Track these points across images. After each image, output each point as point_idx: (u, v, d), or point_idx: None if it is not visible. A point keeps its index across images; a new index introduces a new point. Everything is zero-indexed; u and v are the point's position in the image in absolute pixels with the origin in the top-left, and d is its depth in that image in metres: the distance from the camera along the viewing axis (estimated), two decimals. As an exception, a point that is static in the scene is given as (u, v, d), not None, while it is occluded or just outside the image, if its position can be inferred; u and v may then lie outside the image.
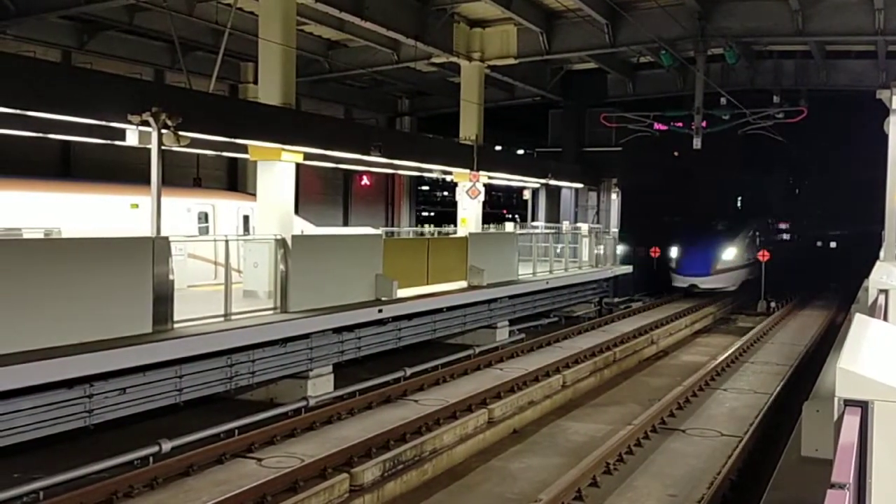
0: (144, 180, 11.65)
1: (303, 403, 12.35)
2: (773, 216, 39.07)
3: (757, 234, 32.41)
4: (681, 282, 28.78)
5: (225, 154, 17.16)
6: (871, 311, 7.02)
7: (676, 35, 20.67)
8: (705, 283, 28.45)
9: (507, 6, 19.62)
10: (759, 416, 12.16)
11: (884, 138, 14.82)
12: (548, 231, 26.30)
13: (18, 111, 10.16)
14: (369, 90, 30.31)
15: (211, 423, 10.69)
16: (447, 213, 41.58)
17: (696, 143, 22.03)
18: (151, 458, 9.47)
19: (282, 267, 12.99)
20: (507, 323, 19.49)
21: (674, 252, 29.80)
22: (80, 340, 9.38)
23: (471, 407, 11.91)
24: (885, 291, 7.41)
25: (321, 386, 13.19)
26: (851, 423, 3.14)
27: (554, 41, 22.09)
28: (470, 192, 21.69)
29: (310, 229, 18.32)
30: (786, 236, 39.64)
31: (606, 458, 9.69)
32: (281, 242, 13.08)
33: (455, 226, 23.20)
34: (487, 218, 40.00)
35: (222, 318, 11.72)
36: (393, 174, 29.75)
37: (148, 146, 11.13)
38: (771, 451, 9.54)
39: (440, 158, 21.01)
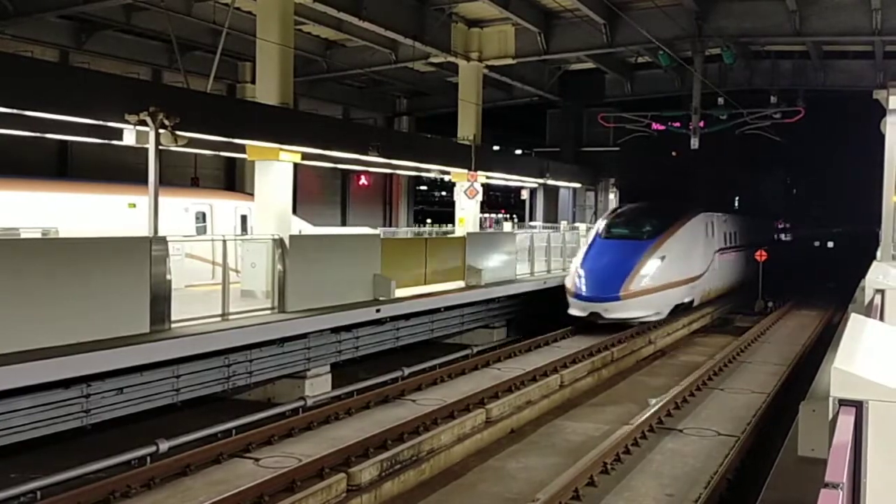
0: (142, 180, 11.65)
1: (300, 403, 12.35)
2: (765, 213, 36.00)
3: (709, 233, 23.27)
4: (578, 309, 19.19)
5: (223, 154, 17.18)
6: (868, 310, 7.04)
7: (674, 35, 20.69)
8: (613, 310, 18.93)
9: (505, 6, 19.64)
10: (756, 416, 12.16)
11: (881, 138, 14.85)
12: (545, 230, 26.31)
13: (16, 111, 10.16)
14: (367, 90, 30.32)
15: (208, 423, 10.69)
16: (444, 213, 41.62)
17: (694, 143, 22.08)
18: (149, 458, 9.47)
19: (279, 267, 13.01)
20: (504, 323, 19.52)
21: (574, 263, 20.65)
22: (78, 340, 9.39)
23: (468, 407, 11.90)
24: (882, 291, 7.42)
25: (319, 386, 13.20)
26: (846, 422, 3.15)
27: (552, 41, 22.11)
28: (468, 192, 21.70)
29: (308, 229, 18.34)
30: (783, 236, 39.37)
31: (604, 458, 9.68)
32: (279, 242, 13.09)
33: (449, 225, 23.26)
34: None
35: (220, 318, 11.73)
36: (391, 174, 29.78)
37: (145, 146, 11.14)
38: (768, 450, 9.54)
39: (438, 158, 21.03)
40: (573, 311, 19.32)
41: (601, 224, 22.01)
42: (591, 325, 19.21)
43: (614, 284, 19.08)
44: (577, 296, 19.36)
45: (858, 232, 45.12)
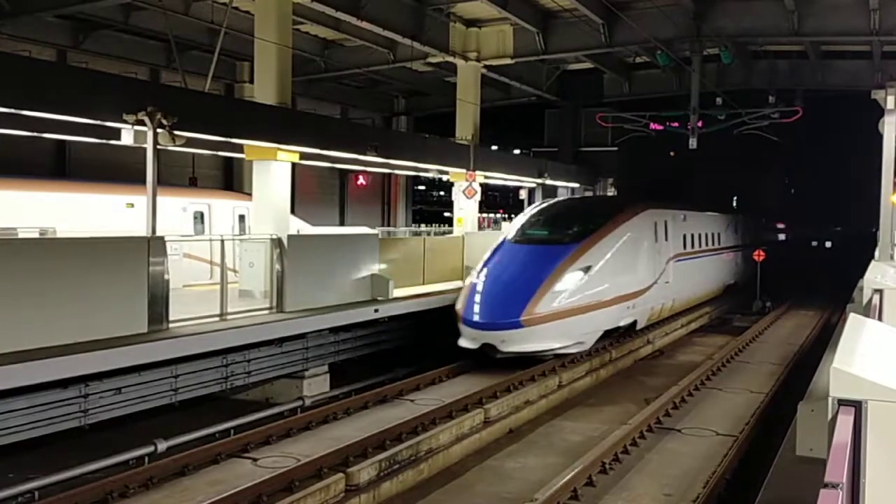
0: (140, 180, 11.64)
1: (298, 403, 12.37)
2: (754, 212, 34.13)
3: (658, 235, 18.63)
4: (467, 339, 14.59)
5: (221, 153, 17.16)
6: (866, 310, 7.05)
7: (672, 35, 20.69)
8: (512, 342, 14.29)
9: (504, 6, 19.62)
10: (754, 416, 12.18)
11: (879, 138, 14.87)
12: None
13: (14, 110, 10.14)
14: (365, 90, 30.29)
15: (206, 423, 10.69)
16: (434, 213, 41.55)
17: (692, 142, 22.05)
18: (147, 458, 9.48)
19: (277, 267, 13.01)
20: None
21: (469, 277, 16.03)
22: (76, 340, 9.38)
23: (467, 406, 11.90)
24: (880, 291, 7.43)
25: (317, 386, 13.21)
26: (845, 422, 3.15)
27: (550, 41, 22.10)
28: (466, 192, 21.70)
29: (306, 229, 18.33)
30: (779, 236, 39.33)
31: (602, 458, 9.69)
32: (277, 242, 13.10)
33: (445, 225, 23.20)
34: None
35: (218, 318, 11.73)
36: (389, 174, 29.76)
37: (143, 145, 11.13)
38: (766, 450, 9.55)
39: (437, 158, 21.01)
40: (462, 343, 14.61)
41: (515, 224, 17.56)
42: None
43: (514, 306, 14.32)
44: (467, 321, 14.53)
45: (857, 232, 45.23)
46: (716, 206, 27.02)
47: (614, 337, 17.11)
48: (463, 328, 14.70)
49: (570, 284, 14.97)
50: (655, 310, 18.80)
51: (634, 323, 17.66)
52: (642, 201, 19.37)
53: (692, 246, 21.45)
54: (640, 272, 17.37)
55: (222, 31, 14.91)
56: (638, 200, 19.38)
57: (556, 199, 19.42)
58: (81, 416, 9.50)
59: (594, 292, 15.41)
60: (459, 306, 14.96)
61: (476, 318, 14.45)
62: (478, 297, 14.70)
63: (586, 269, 15.33)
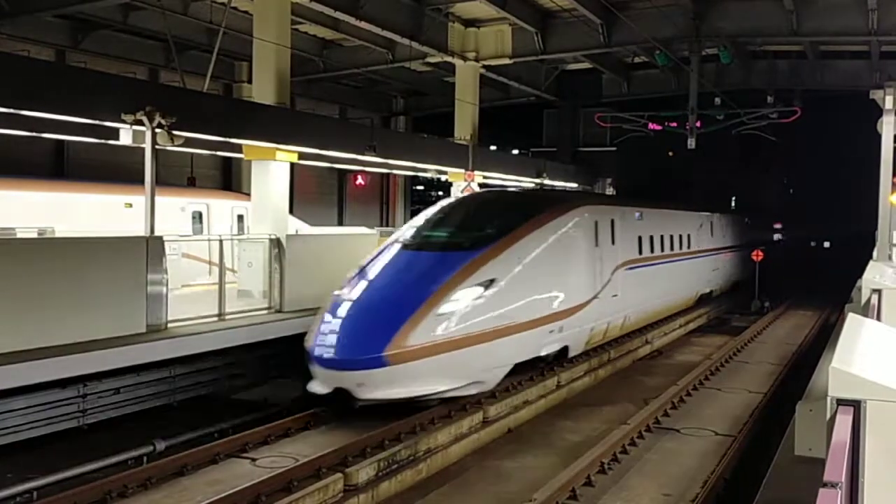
0: (139, 180, 11.65)
1: (297, 403, 12.33)
2: (757, 212, 33.40)
3: (600, 238, 14.87)
4: (319, 381, 10.73)
5: (219, 153, 17.17)
6: (865, 310, 7.06)
7: (671, 35, 20.72)
8: (375, 385, 10.38)
9: (502, 6, 19.63)
10: (753, 416, 12.18)
11: (877, 138, 14.88)
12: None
13: (13, 110, 10.15)
14: (364, 90, 30.30)
15: (205, 423, 10.68)
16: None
17: (691, 142, 22.07)
18: (145, 458, 9.47)
19: (276, 266, 13.01)
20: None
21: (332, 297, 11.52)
22: (74, 340, 9.38)
23: (466, 406, 11.89)
24: (878, 291, 7.44)
25: (316, 385, 13.17)
26: (844, 422, 3.15)
27: (549, 41, 22.12)
28: (465, 192, 21.71)
29: (304, 229, 18.34)
30: (776, 236, 39.30)
31: (601, 458, 9.69)
32: (275, 242, 13.11)
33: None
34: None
35: (216, 318, 11.73)
36: (388, 174, 29.78)
37: (142, 145, 11.14)
38: (765, 450, 9.56)
39: (435, 158, 21.03)
40: (312, 387, 10.83)
41: (411, 223, 13.82)
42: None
43: (377, 336, 10.45)
44: (315, 357, 10.58)
45: (856, 232, 45.24)
46: (689, 204, 24.39)
47: (539, 368, 13.58)
48: (312, 368, 10.82)
49: (461, 304, 11.10)
50: (598, 330, 15.11)
51: (565, 349, 13.92)
52: (581, 197, 16.31)
53: (651, 250, 17.91)
54: (571, 285, 13.62)
55: (221, 31, 14.93)
56: (576, 196, 15.99)
57: (472, 193, 15.69)
58: (80, 416, 9.52)
59: (499, 314, 11.55)
60: (309, 336, 11.00)
61: (326, 352, 10.43)
62: (332, 324, 10.70)
63: (487, 284, 11.49)
